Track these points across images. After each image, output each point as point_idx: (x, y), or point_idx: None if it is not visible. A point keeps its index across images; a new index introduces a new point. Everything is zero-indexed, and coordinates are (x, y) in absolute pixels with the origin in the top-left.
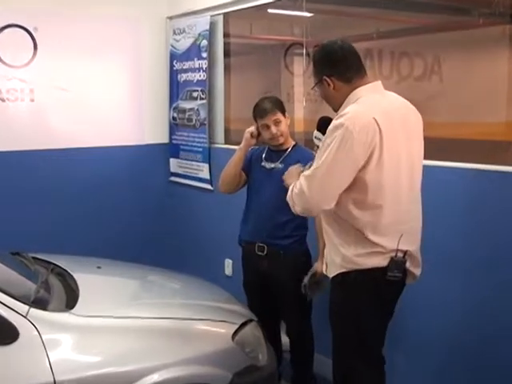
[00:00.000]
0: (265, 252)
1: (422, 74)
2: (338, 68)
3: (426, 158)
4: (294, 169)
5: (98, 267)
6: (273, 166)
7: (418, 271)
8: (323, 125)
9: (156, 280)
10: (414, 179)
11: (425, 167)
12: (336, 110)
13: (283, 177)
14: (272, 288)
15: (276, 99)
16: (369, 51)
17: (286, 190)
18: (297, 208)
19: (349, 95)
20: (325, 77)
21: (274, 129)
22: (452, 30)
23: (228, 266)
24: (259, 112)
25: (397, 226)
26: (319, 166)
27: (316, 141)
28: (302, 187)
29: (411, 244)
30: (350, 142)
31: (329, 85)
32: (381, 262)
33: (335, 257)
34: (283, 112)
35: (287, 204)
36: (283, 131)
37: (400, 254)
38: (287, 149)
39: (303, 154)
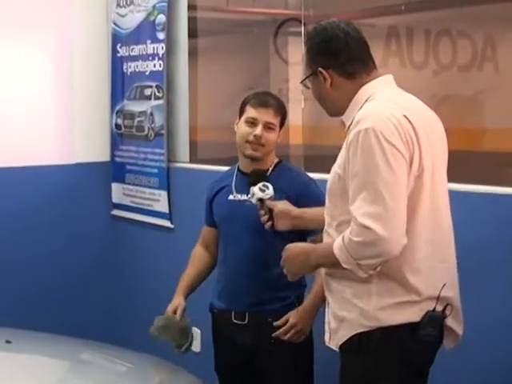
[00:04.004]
0: (245, 320)
1: (469, 61)
2: (339, 59)
3: (469, 179)
4: (293, 248)
5: (8, 341)
6: (245, 197)
7: (460, 329)
8: (257, 178)
9: (92, 360)
10: (447, 201)
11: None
12: (332, 114)
13: (281, 262)
14: (257, 371)
15: (283, 105)
16: (394, 29)
17: (269, 232)
18: (370, 261)
19: (354, 96)
20: (320, 68)
21: (260, 130)
22: None
23: (195, 339)
24: (256, 100)
25: (432, 263)
26: (378, 190)
27: (254, 200)
28: (368, 230)
29: (451, 289)
30: (390, 149)
31: (325, 79)
32: (412, 316)
33: (347, 313)
34: (282, 123)
35: (272, 253)
36: (269, 142)
37: (439, 307)
38: (266, 171)
39: (289, 180)
